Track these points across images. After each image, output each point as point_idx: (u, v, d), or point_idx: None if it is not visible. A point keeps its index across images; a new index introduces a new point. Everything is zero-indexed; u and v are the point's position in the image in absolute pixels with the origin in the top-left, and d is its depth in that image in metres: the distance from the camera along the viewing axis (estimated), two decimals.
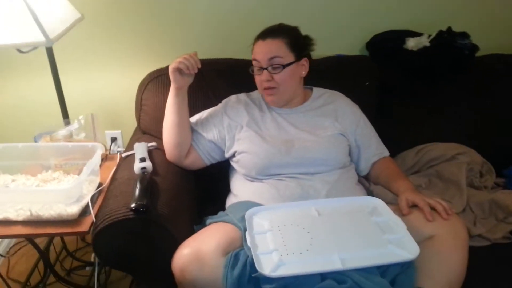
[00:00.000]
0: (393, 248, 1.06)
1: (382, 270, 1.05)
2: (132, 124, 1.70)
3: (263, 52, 1.35)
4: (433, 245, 1.10)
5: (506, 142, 1.63)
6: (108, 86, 1.86)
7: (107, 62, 1.82)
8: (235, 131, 1.42)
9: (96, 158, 1.29)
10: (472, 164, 1.49)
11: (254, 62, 1.38)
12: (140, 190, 1.16)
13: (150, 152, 1.40)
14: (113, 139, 1.95)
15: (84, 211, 1.22)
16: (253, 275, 1.03)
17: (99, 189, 1.32)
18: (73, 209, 1.19)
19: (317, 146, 1.35)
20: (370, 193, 1.43)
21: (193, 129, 1.44)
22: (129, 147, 1.48)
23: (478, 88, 1.64)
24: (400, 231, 1.11)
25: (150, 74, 1.57)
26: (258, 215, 1.20)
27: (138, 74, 1.63)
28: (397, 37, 1.72)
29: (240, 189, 1.39)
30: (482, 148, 1.59)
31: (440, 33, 1.63)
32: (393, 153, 1.52)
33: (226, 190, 1.49)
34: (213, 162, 1.48)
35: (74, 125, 1.48)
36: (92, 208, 1.22)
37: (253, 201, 1.30)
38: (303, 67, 1.40)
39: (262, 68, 1.35)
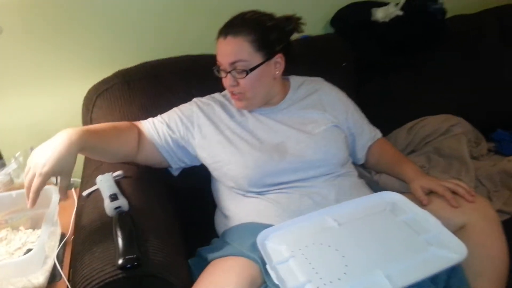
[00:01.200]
0: (436, 250, 0.93)
1: (431, 278, 0.92)
2: None
3: (224, 54, 1.13)
4: (469, 235, 0.99)
5: (489, 106, 1.59)
6: (44, 110, 1.52)
7: (39, 82, 1.48)
8: (210, 131, 1.20)
9: (54, 206, 1.02)
10: (466, 134, 1.41)
11: (218, 62, 1.17)
12: (124, 238, 0.92)
13: (117, 183, 1.14)
14: None
15: (53, 277, 0.95)
16: None
17: (62, 242, 1.05)
18: (39, 279, 0.92)
19: (314, 145, 1.17)
20: (375, 184, 1.30)
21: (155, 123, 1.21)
22: (88, 180, 1.21)
23: (455, 54, 1.57)
24: (434, 227, 0.98)
25: (95, 88, 1.29)
26: (271, 240, 1.01)
27: (78, 90, 1.35)
28: (362, 9, 1.58)
29: (233, 208, 1.18)
30: (469, 115, 1.53)
31: None
32: (383, 134, 1.40)
33: (207, 206, 1.28)
34: (181, 165, 1.26)
35: (12, 166, 1.18)
36: (62, 269, 0.96)
37: (255, 222, 1.10)
38: (276, 65, 1.18)
39: (225, 72, 1.14)
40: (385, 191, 1.14)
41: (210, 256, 1.04)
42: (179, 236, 1.14)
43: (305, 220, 1.06)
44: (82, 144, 0.95)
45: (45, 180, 0.89)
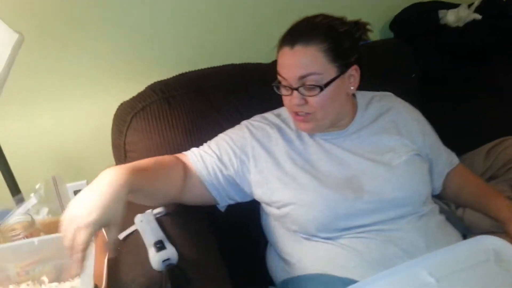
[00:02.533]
0: None
1: None
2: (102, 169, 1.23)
3: (291, 67, 0.93)
4: None
5: None
6: (66, 130, 1.34)
7: (60, 96, 1.30)
8: (267, 165, 0.99)
9: (91, 259, 0.82)
10: None
11: (279, 78, 0.96)
12: None
13: (160, 224, 0.95)
14: (77, 193, 1.43)
15: None
16: None
17: None
18: None
19: (395, 180, 0.97)
20: (457, 220, 1.10)
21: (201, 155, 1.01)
22: None
23: None
24: None
25: (129, 105, 1.09)
26: None
27: (107, 106, 1.16)
28: (427, 10, 1.38)
29: (296, 252, 0.98)
30: None
31: (485, 0, 1.32)
32: None
33: (255, 243, 1.09)
34: (230, 203, 1.05)
35: (31, 201, 0.98)
36: None
37: (328, 274, 0.91)
38: (351, 79, 0.98)
39: (292, 89, 0.93)
40: (484, 236, 0.94)
41: None
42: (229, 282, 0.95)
43: (395, 274, 0.86)
44: (131, 187, 0.77)
45: (91, 234, 0.70)
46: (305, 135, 1.03)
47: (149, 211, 0.96)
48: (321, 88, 0.92)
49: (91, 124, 1.31)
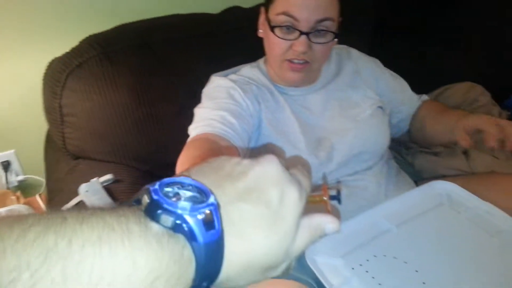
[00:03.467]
0: None
1: None
2: (32, 138, 1.13)
3: (310, 7, 0.83)
4: None
5: (501, 70, 1.46)
6: None
7: None
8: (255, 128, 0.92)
9: None
10: (492, 104, 1.28)
11: (283, 18, 0.85)
12: None
13: (109, 192, 0.87)
14: (5, 165, 1.29)
15: None
16: None
17: None
18: None
19: (361, 135, 0.95)
20: (409, 167, 1.13)
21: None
22: (61, 187, 0.93)
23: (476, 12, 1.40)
24: (504, 225, 0.84)
25: (62, 63, 0.96)
26: (321, 253, 0.82)
27: (33, 63, 1.02)
28: None
29: None
30: (482, 81, 1.39)
31: None
32: None
33: None
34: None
35: None
36: None
37: None
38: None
39: (301, 32, 0.85)
40: (436, 181, 0.97)
41: None
42: None
43: (356, 224, 0.87)
44: None
45: None
46: (277, 93, 0.96)
47: (94, 179, 0.88)
48: (336, 35, 0.86)
49: (18, 85, 1.16)
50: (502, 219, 0.85)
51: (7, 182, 1.26)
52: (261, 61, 1.02)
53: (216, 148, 0.76)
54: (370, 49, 1.11)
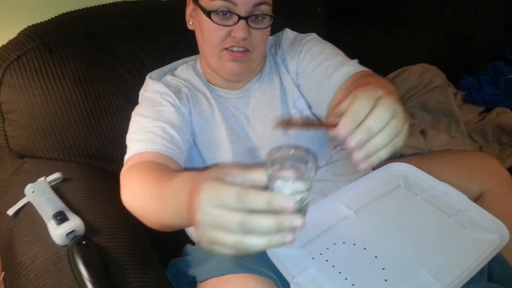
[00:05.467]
0: (474, 233, 0.80)
1: None
2: None
3: None
4: (490, 206, 0.88)
5: (455, 51, 1.49)
6: None
7: None
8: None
9: None
10: (448, 85, 1.30)
11: (219, 3, 0.81)
12: (94, 277, 0.65)
13: (57, 192, 0.82)
14: None
15: None
16: None
17: None
18: None
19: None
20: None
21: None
22: (6, 189, 0.87)
23: None
24: (460, 203, 0.86)
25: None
26: None
27: None
28: None
29: None
30: (436, 62, 1.41)
31: None
32: None
33: None
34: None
35: None
36: None
37: None
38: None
39: (240, 17, 0.81)
40: (392, 164, 0.98)
41: (196, 272, 0.81)
42: (151, 249, 0.88)
43: (315, 212, 0.86)
44: None
45: None
46: (210, 96, 0.92)
47: (41, 179, 0.83)
48: (272, 18, 0.84)
49: None
50: (458, 199, 0.87)
51: None
52: (197, 59, 0.98)
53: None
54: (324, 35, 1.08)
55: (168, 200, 0.61)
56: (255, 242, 0.44)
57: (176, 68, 0.96)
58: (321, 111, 0.89)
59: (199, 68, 0.96)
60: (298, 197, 0.57)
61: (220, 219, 0.44)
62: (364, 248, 0.79)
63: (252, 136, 0.92)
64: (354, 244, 0.80)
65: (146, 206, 0.69)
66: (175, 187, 0.59)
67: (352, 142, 0.53)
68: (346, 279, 0.73)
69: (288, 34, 1.01)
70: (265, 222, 0.43)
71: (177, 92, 0.89)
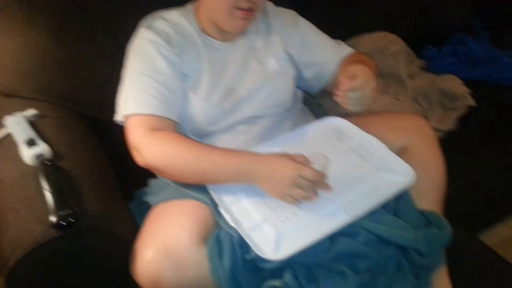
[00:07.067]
0: (385, 175, 0.93)
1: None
2: None
3: None
4: (411, 157, 0.99)
5: (418, 21, 1.57)
6: None
7: None
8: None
9: None
10: (402, 52, 1.40)
11: None
12: (54, 191, 0.80)
13: (33, 125, 0.97)
14: None
15: None
16: (248, 258, 0.83)
17: None
18: None
19: (270, 93, 1.05)
20: (320, 108, 1.25)
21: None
22: None
23: None
24: (380, 152, 0.98)
25: None
26: None
27: None
28: None
29: None
30: (399, 31, 1.50)
31: None
32: None
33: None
34: None
35: None
36: None
37: None
38: None
39: None
40: (330, 117, 1.11)
41: (152, 200, 0.96)
42: (114, 181, 1.02)
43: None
44: None
45: None
46: (201, 44, 1.01)
47: (18, 112, 0.97)
48: None
49: None
50: (379, 148, 0.98)
51: None
52: (189, 9, 1.05)
53: None
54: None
55: (227, 169, 0.88)
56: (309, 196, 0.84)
57: (169, 13, 1.03)
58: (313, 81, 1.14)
59: (192, 17, 1.03)
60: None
61: (302, 183, 0.81)
62: None
63: (232, 82, 1.03)
64: None
65: (185, 167, 0.89)
66: (240, 161, 0.87)
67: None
68: (268, 206, 0.87)
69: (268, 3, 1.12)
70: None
71: (167, 40, 0.97)
